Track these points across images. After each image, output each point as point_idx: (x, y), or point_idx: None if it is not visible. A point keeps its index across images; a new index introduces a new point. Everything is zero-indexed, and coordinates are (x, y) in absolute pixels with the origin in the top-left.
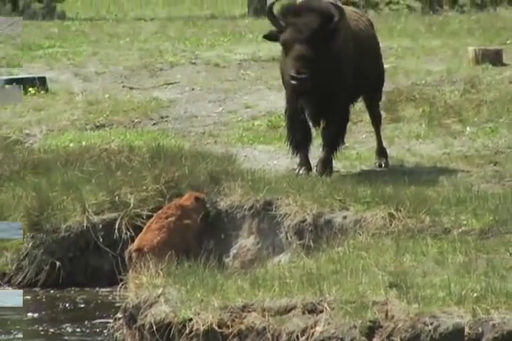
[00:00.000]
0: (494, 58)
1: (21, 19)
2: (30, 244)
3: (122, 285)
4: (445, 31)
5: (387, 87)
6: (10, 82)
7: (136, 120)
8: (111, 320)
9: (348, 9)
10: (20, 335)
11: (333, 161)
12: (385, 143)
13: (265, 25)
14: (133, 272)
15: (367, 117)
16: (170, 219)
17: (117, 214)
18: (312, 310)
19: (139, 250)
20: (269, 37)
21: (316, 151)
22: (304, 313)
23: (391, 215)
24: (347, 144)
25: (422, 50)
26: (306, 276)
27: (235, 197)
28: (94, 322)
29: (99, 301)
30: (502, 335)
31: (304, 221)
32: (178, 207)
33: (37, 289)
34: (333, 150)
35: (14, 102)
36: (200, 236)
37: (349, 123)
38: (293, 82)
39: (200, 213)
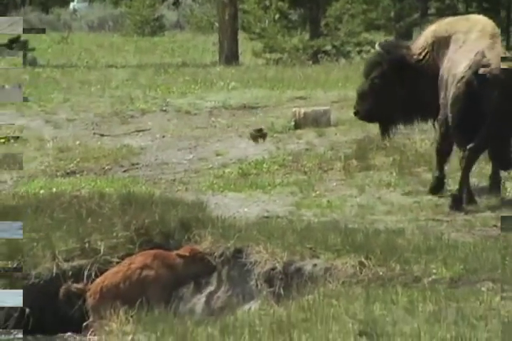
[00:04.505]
0: None
1: (21, 19)
2: None
3: (91, 332)
4: None
5: (358, 135)
6: None
7: (106, 167)
8: None
9: None
10: (20, 335)
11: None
12: (355, 192)
13: (236, 72)
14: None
15: (337, 165)
16: (132, 265)
17: (87, 261)
18: None
19: (82, 292)
20: None
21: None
22: None
23: (361, 263)
24: (317, 192)
25: None
26: (276, 324)
27: (206, 245)
28: None
29: None
30: None
31: (274, 269)
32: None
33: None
34: None
35: (14, 102)
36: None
37: (320, 171)
38: None
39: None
